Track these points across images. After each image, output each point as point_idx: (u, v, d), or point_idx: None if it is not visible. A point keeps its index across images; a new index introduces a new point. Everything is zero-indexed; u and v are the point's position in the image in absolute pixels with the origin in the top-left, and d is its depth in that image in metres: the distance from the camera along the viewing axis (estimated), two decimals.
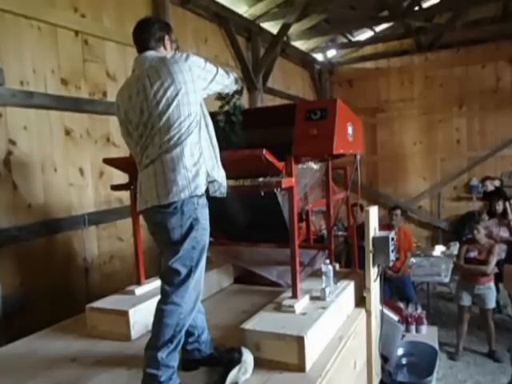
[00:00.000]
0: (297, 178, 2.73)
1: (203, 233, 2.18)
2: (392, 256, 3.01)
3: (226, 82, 2.45)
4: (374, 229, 3.06)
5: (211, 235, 2.32)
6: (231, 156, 2.46)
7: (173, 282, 2.11)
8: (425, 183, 9.18)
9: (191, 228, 2.12)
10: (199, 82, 2.22)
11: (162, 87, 2.12)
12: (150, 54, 2.28)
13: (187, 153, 2.11)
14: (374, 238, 3.01)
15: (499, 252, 5.14)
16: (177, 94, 2.11)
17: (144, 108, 2.16)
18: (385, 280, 5.27)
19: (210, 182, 2.20)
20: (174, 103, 2.11)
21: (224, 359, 2.28)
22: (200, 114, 2.22)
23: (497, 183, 7.60)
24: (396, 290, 5.71)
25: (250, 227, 3.45)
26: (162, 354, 2.03)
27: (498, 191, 7.22)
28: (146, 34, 2.33)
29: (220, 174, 2.29)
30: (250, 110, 3.08)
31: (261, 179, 2.55)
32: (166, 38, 2.37)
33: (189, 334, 2.29)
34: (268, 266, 3.58)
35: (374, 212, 3.09)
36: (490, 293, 5.09)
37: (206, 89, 2.31)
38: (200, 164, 2.15)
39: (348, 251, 5.54)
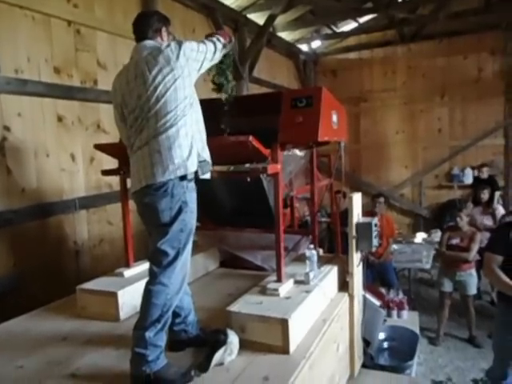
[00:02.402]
0: (282, 164, 2.77)
1: (191, 216, 2.24)
2: (375, 242, 3.06)
3: (216, 55, 2.48)
4: (357, 215, 3.11)
5: (198, 220, 2.37)
6: (218, 142, 2.49)
7: (161, 263, 2.16)
8: (407, 172, 9.31)
9: (180, 211, 2.17)
10: (193, 64, 2.30)
11: (160, 73, 2.19)
12: (149, 42, 2.34)
13: (182, 133, 2.19)
14: (357, 224, 3.06)
15: (482, 239, 5.22)
16: (175, 80, 2.19)
17: (142, 92, 2.21)
18: (367, 266, 5.36)
19: (201, 161, 2.26)
20: (172, 88, 2.18)
21: (210, 340, 2.34)
22: (193, 96, 2.31)
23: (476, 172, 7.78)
24: (378, 276, 5.79)
25: (236, 212, 3.50)
26: (149, 334, 2.08)
27: (490, 180, 7.34)
28: (145, 24, 2.40)
29: (208, 155, 2.36)
30: (236, 97, 3.10)
31: (247, 165, 2.59)
32: (164, 29, 2.44)
33: (176, 315, 2.34)
34: (253, 251, 3.64)
35: (357, 198, 3.14)
36: (471, 279, 5.19)
37: (199, 69, 2.38)
38: (192, 144, 2.22)
39: (330, 237, 5.62)
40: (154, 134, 2.18)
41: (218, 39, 2.50)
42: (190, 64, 2.27)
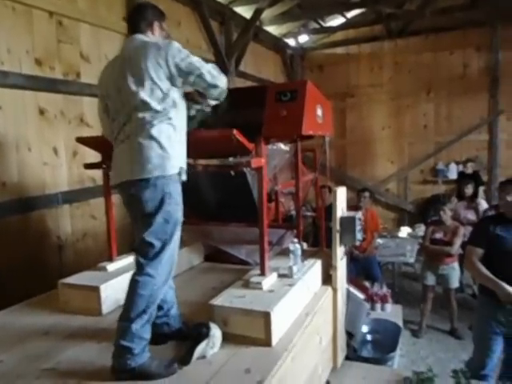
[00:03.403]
0: (266, 158, 2.76)
1: (176, 207, 2.23)
2: (358, 235, 3.08)
3: (216, 81, 2.35)
4: (341, 209, 3.12)
5: (183, 215, 2.35)
6: (202, 136, 2.48)
7: (147, 255, 2.16)
8: (392, 167, 9.37)
9: (163, 201, 2.17)
10: (178, 70, 2.22)
11: (142, 66, 2.17)
12: (138, 36, 2.33)
13: (164, 134, 2.17)
14: (341, 218, 3.07)
15: (465, 234, 5.28)
16: (158, 78, 2.17)
17: (123, 85, 2.21)
18: (352, 260, 5.42)
19: (181, 167, 2.26)
20: (155, 85, 2.17)
21: (192, 334, 2.34)
22: (180, 104, 2.28)
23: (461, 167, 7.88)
24: (362, 270, 5.85)
25: (221, 207, 3.49)
26: (136, 326, 2.08)
27: (475, 175, 7.44)
28: (138, 16, 2.39)
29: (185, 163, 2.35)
30: None
31: (231, 159, 2.58)
32: (156, 24, 2.42)
33: (158, 308, 2.34)
34: (237, 245, 3.64)
35: (341, 193, 3.15)
36: (453, 273, 5.28)
37: (186, 80, 2.27)
38: (175, 148, 2.21)
39: (315, 232, 5.64)
40: (135, 130, 2.17)
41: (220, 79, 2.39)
42: (175, 66, 2.21)
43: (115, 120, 2.28)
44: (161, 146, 2.15)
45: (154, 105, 2.16)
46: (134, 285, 2.15)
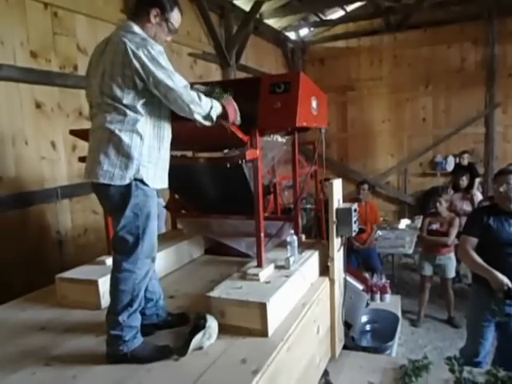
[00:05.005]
0: (263, 150, 2.77)
1: (145, 199, 2.11)
2: (355, 227, 3.07)
3: (186, 97, 2.05)
4: (337, 201, 3.12)
5: (182, 208, 2.34)
6: (196, 128, 2.49)
7: (122, 251, 2.11)
8: (392, 160, 9.42)
9: (129, 194, 2.07)
10: (137, 74, 2.02)
11: (109, 62, 2.06)
12: (128, 25, 2.14)
13: (122, 141, 2.03)
14: (337, 210, 3.07)
15: (461, 224, 5.33)
16: (117, 76, 2.03)
17: (94, 75, 2.17)
18: (352, 251, 5.45)
19: (137, 179, 2.09)
20: (112, 83, 2.04)
21: (177, 322, 2.45)
22: (151, 113, 2.12)
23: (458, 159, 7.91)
24: (363, 261, 5.92)
25: (220, 199, 3.48)
26: (123, 317, 2.09)
27: (470, 167, 7.48)
28: (141, 1, 2.18)
29: (158, 183, 2.19)
30: (215, 82, 3.07)
31: (226, 151, 2.59)
32: (156, 12, 2.14)
33: (148, 299, 2.38)
34: (237, 238, 3.62)
35: (337, 184, 3.14)
36: (450, 263, 5.36)
37: (150, 85, 2.03)
38: (134, 158, 2.05)
39: (319, 224, 5.67)
40: (98, 127, 2.11)
41: (212, 107, 2.18)
42: (137, 71, 2.00)
43: (90, 105, 2.24)
44: (118, 152, 2.03)
45: (115, 107, 2.05)
46: (114, 282, 2.12)
